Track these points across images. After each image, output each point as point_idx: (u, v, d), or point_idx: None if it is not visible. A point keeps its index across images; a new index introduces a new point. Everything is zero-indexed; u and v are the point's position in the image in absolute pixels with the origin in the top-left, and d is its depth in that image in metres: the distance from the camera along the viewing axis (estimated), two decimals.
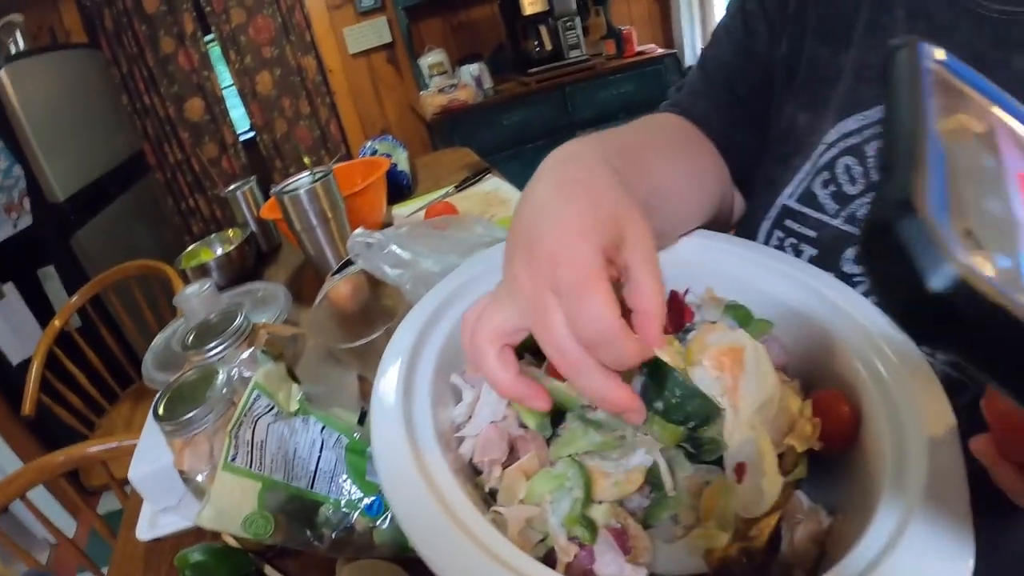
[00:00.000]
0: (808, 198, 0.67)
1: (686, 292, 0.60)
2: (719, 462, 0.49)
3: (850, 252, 0.63)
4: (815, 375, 0.55)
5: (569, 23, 3.64)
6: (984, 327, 0.18)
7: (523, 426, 0.51)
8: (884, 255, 0.20)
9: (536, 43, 3.69)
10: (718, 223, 0.76)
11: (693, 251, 0.65)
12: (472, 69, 3.73)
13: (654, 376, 0.48)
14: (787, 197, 0.69)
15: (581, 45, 3.73)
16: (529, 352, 0.58)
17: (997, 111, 0.27)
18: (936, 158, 0.21)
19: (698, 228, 0.68)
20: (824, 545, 0.45)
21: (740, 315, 0.57)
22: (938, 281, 0.18)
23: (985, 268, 0.19)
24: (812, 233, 0.67)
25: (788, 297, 0.58)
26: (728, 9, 0.77)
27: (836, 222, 0.65)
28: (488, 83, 3.79)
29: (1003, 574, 0.61)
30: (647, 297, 0.42)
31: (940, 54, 0.27)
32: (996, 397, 0.33)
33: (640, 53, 3.84)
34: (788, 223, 0.69)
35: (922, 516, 0.38)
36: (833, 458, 0.50)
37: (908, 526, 0.38)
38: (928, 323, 0.19)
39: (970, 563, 0.36)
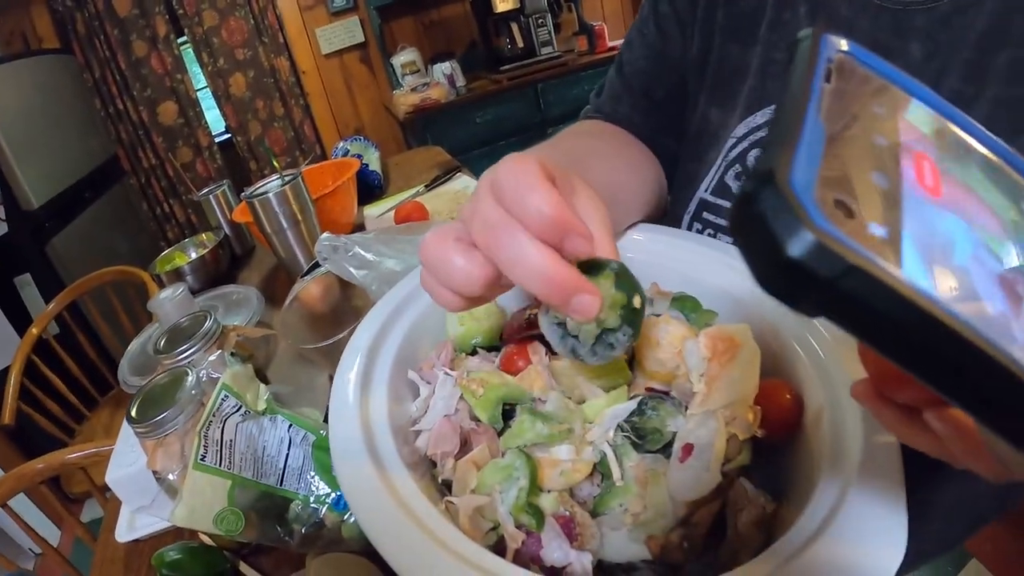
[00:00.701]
0: (722, 190, 0.71)
1: None
2: (664, 450, 0.50)
3: None
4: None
5: (540, 20, 3.66)
6: (846, 288, 0.20)
7: (475, 419, 0.53)
8: (748, 225, 0.21)
9: (508, 40, 3.70)
10: (657, 212, 0.79)
11: (634, 246, 0.67)
12: (444, 67, 3.74)
13: None
14: (703, 191, 0.73)
15: (553, 42, 3.75)
16: (484, 349, 0.60)
17: (901, 94, 0.28)
18: (812, 135, 0.23)
19: (638, 222, 0.70)
20: (769, 530, 0.46)
21: (688, 305, 0.58)
22: (795, 246, 0.19)
23: (851, 234, 0.20)
24: (727, 223, 0.70)
25: (725, 283, 0.60)
26: (641, 10, 0.79)
27: None
28: (460, 81, 3.80)
29: (937, 524, 0.64)
30: (601, 248, 0.41)
31: (844, 44, 0.28)
32: None
33: (612, 49, 3.82)
34: (706, 215, 0.73)
35: (857, 493, 0.40)
36: (778, 444, 0.51)
37: (844, 504, 0.40)
38: (790, 288, 0.21)
39: (903, 537, 0.38)
